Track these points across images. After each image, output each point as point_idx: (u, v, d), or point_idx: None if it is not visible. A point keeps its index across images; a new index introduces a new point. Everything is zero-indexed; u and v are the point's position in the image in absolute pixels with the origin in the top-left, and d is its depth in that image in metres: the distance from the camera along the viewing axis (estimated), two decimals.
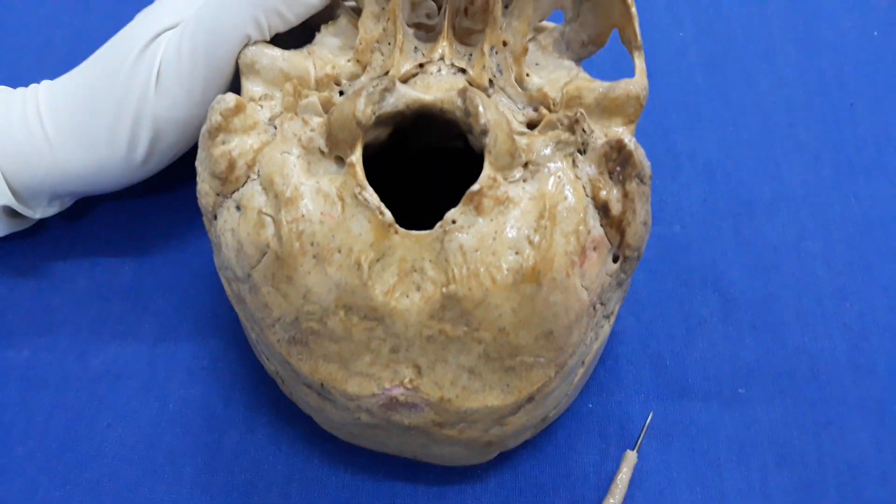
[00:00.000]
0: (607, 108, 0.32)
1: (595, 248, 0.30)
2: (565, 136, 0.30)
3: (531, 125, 0.32)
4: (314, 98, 0.32)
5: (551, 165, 0.30)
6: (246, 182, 0.31)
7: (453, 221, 0.29)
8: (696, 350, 0.38)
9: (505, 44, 0.33)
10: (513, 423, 0.31)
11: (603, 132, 0.31)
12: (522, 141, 0.30)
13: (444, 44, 0.33)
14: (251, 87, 0.33)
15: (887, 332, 0.38)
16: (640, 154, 0.30)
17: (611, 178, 0.30)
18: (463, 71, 0.32)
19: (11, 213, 0.37)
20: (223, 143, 0.31)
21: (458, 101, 0.29)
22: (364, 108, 0.29)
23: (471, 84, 0.32)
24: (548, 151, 0.30)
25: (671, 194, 0.42)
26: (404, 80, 0.32)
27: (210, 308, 0.39)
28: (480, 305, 0.28)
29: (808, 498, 0.34)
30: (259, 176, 0.31)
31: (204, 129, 0.31)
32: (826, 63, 0.46)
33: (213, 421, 0.36)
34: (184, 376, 0.37)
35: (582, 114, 0.30)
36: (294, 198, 0.29)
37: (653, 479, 0.35)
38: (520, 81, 0.33)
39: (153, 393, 0.37)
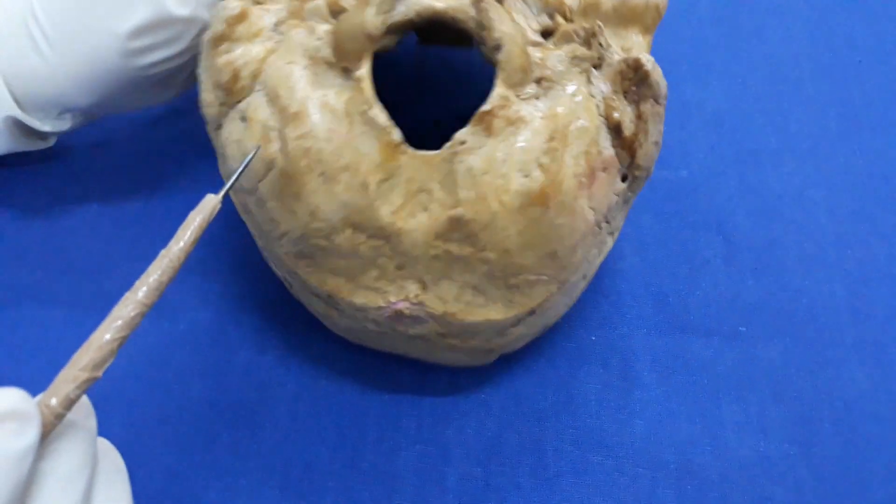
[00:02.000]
0: (624, 16, 0.31)
1: (605, 169, 0.30)
2: (581, 50, 0.30)
3: (545, 33, 0.31)
4: (320, 1, 0.31)
5: (566, 83, 0.30)
6: (251, 93, 0.30)
7: (462, 142, 0.29)
8: (699, 289, 0.39)
9: None
10: (514, 334, 0.32)
11: (619, 45, 0.31)
12: (536, 54, 0.30)
13: None
14: None
15: (886, 279, 0.39)
16: (657, 74, 0.30)
17: (625, 97, 0.30)
18: None
19: (26, 130, 0.37)
20: (227, 52, 0.30)
21: (472, 12, 0.29)
22: (374, 19, 0.28)
23: None
24: (562, 67, 0.30)
25: (679, 141, 0.43)
26: None
27: (221, 234, 0.40)
28: (487, 228, 0.29)
29: (803, 432, 0.35)
30: (264, 87, 0.30)
31: (206, 36, 0.31)
32: (836, 20, 0.47)
33: (223, 342, 0.37)
34: (195, 300, 0.38)
35: (600, 27, 0.30)
36: (300, 113, 0.29)
37: (653, 409, 0.36)
38: None
39: (164, 315, 0.37)
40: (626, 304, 0.38)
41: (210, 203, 0.27)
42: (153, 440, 0.35)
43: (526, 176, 0.29)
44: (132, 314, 0.25)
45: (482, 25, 0.29)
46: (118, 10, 0.32)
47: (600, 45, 0.30)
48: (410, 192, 0.29)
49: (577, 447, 0.35)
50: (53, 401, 0.23)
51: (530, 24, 0.31)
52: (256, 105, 0.30)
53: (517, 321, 0.31)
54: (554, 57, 0.30)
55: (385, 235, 0.29)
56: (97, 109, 0.37)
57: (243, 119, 0.30)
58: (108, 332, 0.24)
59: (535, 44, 0.30)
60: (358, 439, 0.34)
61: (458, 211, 0.28)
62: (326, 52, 0.29)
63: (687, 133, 0.43)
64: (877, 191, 0.42)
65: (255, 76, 0.30)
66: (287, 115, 0.29)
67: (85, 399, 0.24)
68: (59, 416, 0.23)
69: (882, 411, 0.36)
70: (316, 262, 0.30)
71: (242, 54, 0.30)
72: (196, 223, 0.27)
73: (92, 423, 0.24)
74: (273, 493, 0.34)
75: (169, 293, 0.38)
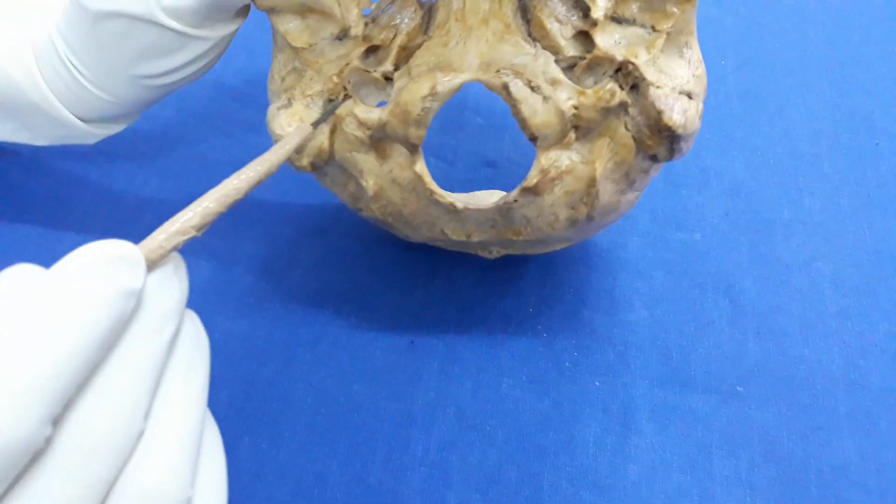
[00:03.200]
0: None
1: (645, 171, 0.33)
2: (615, 100, 0.31)
3: (580, 34, 0.31)
4: (306, 127, 0.32)
5: (602, 127, 0.32)
6: (330, 165, 0.35)
7: (514, 200, 0.33)
8: (702, 347, 0.41)
9: None
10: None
11: (653, 20, 0.31)
12: (570, 103, 0.31)
13: None
14: (282, 24, 0.32)
15: (883, 353, 0.41)
16: (679, 121, 0.31)
17: (658, 131, 0.31)
18: None
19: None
20: (299, 158, 0.34)
21: (504, 94, 0.31)
22: (415, 131, 0.32)
23: None
24: (598, 116, 0.31)
25: (696, 205, 0.45)
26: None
27: (262, 253, 0.43)
28: (544, 238, 0.35)
29: (789, 492, 0.37)
30: (340, 167, 0.35)
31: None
32: (857, 103, 0.49)
33: (253, 353, 0.40)
34: (232, 311, 0.41)
35: (633, 65, 0.31)
36: (377, 192, 0.34)
37: (647, 456, 0.38)
38: None
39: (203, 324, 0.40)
40: (631, 355, 0.40)
41: (305, 127, 0.31)
42: None
43: (572, 209, 0.33)
44: (225, 194, 0.26)
45: (515, 116, 0.31)
46: (122, 35, 0.32)
47: (636, 76, 0.31)
48: (479, 223, 0.35)
49: (571, 485, 0.37)
50: (148, 249, 0.23)
51: (563, 34, 0.31)
52: (337, 174, 0.35)
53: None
54: (588, 108, 0.31)
55: (465, 242, 0.36)
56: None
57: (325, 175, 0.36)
58: (207, 202, 0.26)
59: (569, 91, 0.31)
60: (368, 456, 0.37)
61: (519, 237, 0.35)
62: (380, 133, 0.33)
63: (704, 198, 0.46)
64: (882, 268, 0.44)
65: (327, 159, 0.34)
66: (368, 193, 0.34)
67: (178, 257, 0.24)
68: (154, 263, 0.23)
69: (868, 481, 0.37)
70: None
71: (310, 151, 0.34)
72: (290, 142, 0.30)
73: (184, 277, 0.24)
74: (285, 498, 0.36)
75: (208, 303, 0.41)
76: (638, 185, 0.35)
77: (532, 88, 0.31)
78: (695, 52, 0.33)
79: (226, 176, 0.47)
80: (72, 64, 0.34)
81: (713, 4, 0.54)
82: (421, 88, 0.31)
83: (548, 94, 0.31)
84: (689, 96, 0.32)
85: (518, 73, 0.31)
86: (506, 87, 0.31)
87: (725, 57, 0.51)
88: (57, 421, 0.20)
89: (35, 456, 0.19)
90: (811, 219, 0.45)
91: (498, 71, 0.31)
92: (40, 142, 0.38)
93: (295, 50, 0.32)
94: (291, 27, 0.32)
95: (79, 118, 0.36)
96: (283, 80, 0.34)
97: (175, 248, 0.24)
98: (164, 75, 0.34)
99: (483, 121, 0.48)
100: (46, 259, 0.42)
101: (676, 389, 0.39)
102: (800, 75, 0.51)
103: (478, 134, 0.48)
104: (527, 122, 0.31)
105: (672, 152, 0.32)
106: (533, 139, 0.32)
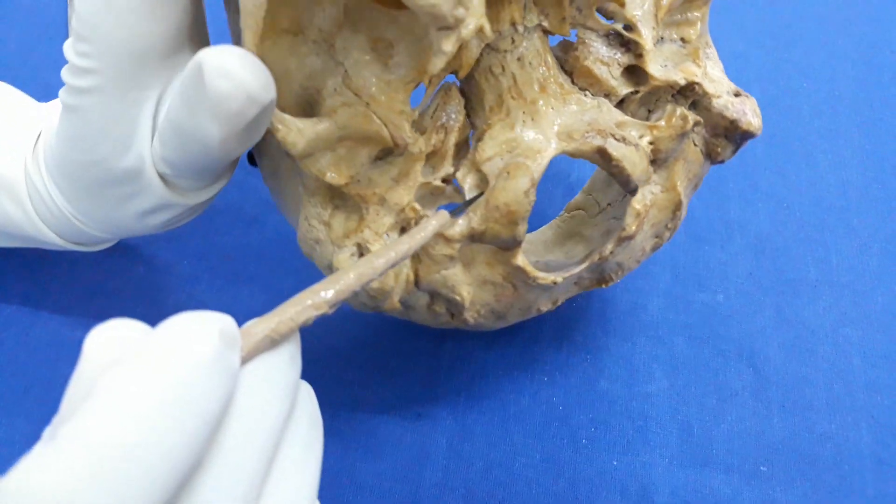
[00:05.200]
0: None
1: (706, 172, 0.34)
2: (689, 123, 0.30)
3: (630, 68, 0.30)
4: (444, 214, 0.28)
5: (675, 154, 0.31)
6: (414, 292, 0.31)
7: (610, 253, 0.32)
8: (724, 423, 0.39)
9: None
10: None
11: (679, 33, 0.31)
12: (646, 141, 0.30)
13: (512, 7, 0.27)
14: (315, 165, 0.27)
15: None
16: (756, 123, 0.31)
17: (726, 138, 0.32)
18: (539, 27, 0.28)
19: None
20: (391, 302, 0.30)
21: (598, 159, 0.29)
22: (522, 228, 0.28)
23: (548, 32, 0.29)
24: (674, 146, 0.30)
25: (719, 263, 0.43)
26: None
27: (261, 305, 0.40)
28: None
29: None
30: (430, 288, 0.31)
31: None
32: (887, 150, 0.47)
33: None
34: None
35: (698, 84, 0.30)
36: (472, 301, 0.31)
37: None
38: (603, 9, 0.30)
39: None
40: (651, 431, 0.38)
41: (444, 214, 0.28)
42: None
43: (657, 237, 0.33)
44: (352, 282, 0.23)
45: (615, 174, 0.30)
46: (124, 199, 0.30)
47: (697, 95, 0.31)
48: (566, 288, 0.34)
49: None
50: (260, 327, 0.21)
51: (613, 74, 0.30)
52: (415, 301, 0.32)
53: None
54: (665, 140, 0.30)
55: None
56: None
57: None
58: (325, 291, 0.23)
59: (639, 129, 0.30)
60: None
61: (608, 284, 0.34)
62: (469, 242, 0.30)
63: (728, 255, 0.43)
64: None
65: (414, 282, 0.31)
66: (461, 305, 0.31)
67: (295, 336, 0.22)
68: (283, 337, 0.21)
69: None
70: None
71: (399, 289, 0.30)
72: (429, 228, 0.27)
73: (297, 356, 0.22)
74: None
75: None
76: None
77: (621, 141, 0.29)
78: (713, 49, 0.32)
79: (225, 221, 0.44)
80: (72, 214, 0.31)
81: (739, 38, 0.51)
82: (520, 184, 0.27)
83: (634, 141, 0.29)
84: (739, 94, 0.32)
85: (601, 132, 0.28)
86: (601, 150, 0.28)
87: (751, 95, 0.48)
88: None
89: None
90: (838, 279, 0.43)
91: (583, 135, 0.28)
92: (32, 245, 0.35)
93: (333, 189, 0.28)
94: (324, 165, 0.27)
95: (76, 244, 0.34)
96: (327, 225, 0.29)
97: (305, 324, 0.22)
98: (168, 224, 0.31)
99: None
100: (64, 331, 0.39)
101: (697, 469, 0.37)
102: (828, 118, 0.48)
103: None
104: (631, 178, 0.29)
105: (737, 150, 0.32)
106: (634, 191, 0.30)
